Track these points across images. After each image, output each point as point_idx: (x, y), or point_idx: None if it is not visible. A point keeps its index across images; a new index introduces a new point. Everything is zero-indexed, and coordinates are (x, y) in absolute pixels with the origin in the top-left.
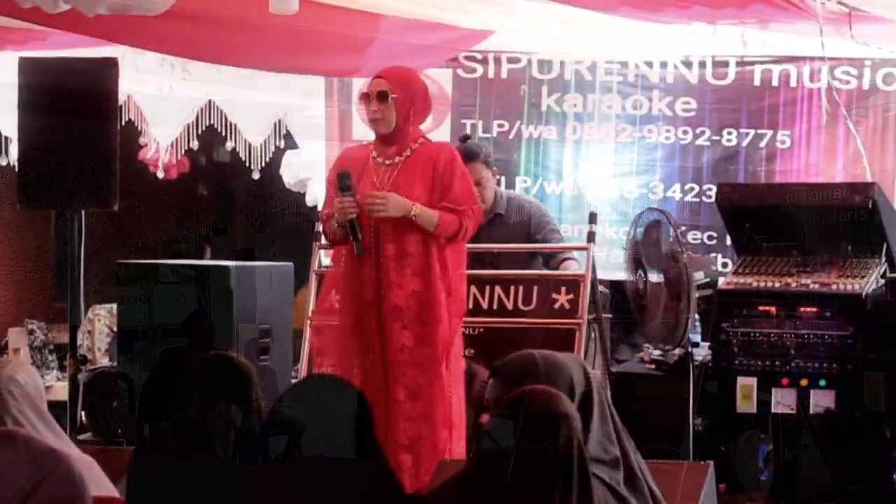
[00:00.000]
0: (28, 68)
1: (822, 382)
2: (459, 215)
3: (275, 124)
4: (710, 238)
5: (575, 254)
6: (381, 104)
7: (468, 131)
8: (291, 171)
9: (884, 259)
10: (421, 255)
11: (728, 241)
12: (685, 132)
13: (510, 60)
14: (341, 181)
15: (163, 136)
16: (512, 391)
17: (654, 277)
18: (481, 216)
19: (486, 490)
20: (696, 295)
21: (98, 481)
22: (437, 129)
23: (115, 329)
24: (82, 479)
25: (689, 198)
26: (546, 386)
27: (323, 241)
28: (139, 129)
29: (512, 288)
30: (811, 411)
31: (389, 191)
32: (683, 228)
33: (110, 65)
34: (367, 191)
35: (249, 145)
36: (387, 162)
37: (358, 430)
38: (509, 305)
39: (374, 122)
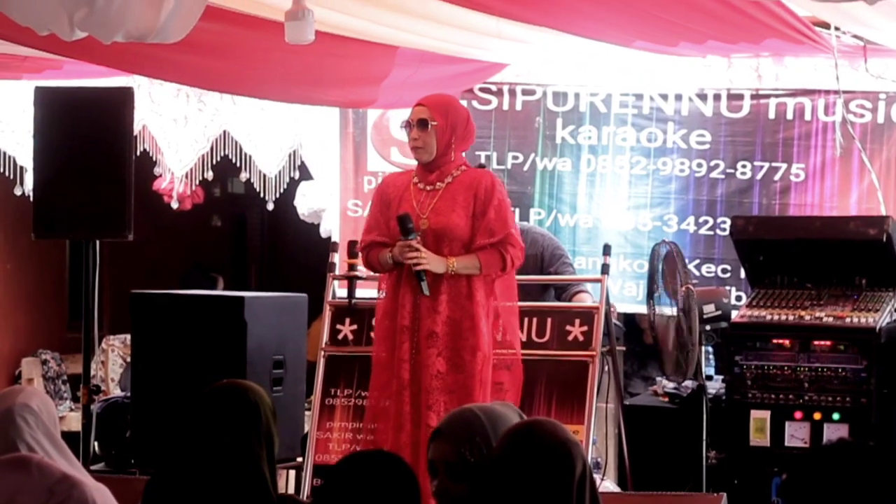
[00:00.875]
0: (44, 98)
1: (836, 416)
2: (498, 247)
3: (289, 155)
4: (724, 271)
5: (588, 286)
6: (422, 132)
7: (483, 161)
8: (306, 203)
9: None
10: (458, 282)
11: (742, 274)
12: (699, 165)
13: (525, 92)
14: (403, 224)
15: (177, 167)
16: (462, 450)
17: (668, 310)
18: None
19: None
20: (707, 328)
21: None
22: None
23: (128, 359)
24: None
25: (703, 230)
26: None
27: (337, 271)
28: (154, 159)
29: (526, 320)
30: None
31: (429, 216)
32: (697, 261)
33: (125, 95)
34: None
35: (264, 176)
36: (427, 188)
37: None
38: (523, 337)
39: (416, 150)
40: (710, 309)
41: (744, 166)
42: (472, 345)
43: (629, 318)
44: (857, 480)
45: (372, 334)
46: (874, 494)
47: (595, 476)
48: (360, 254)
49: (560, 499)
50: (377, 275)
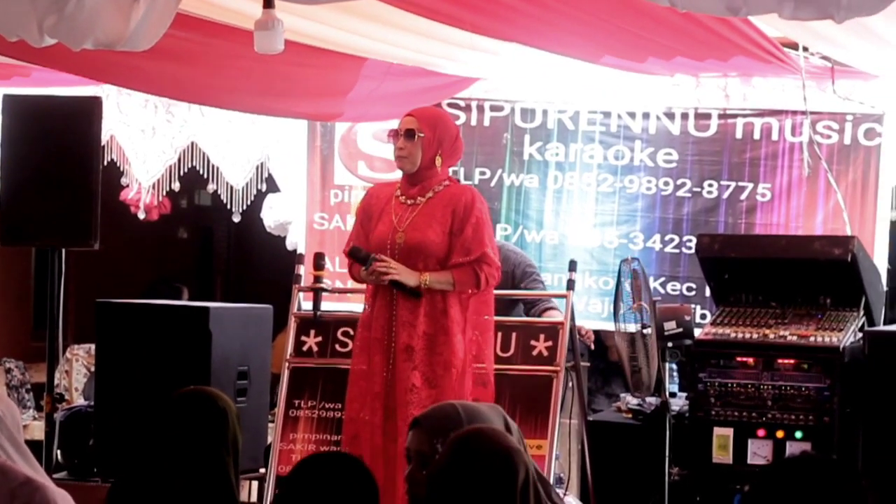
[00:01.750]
0: (11, 106)
1: (799, 434)
2: (473, 266)
3: (257, 168)
4: (689, 289)
5: (556, 302)
6: (408, 142)
7: (460, 176)
8: (272, 215)
9: (862, 312)
10: (433, 297)
11: (707, 292)
12: (666, 183)
13: (493, 108)
14: (355, 257)
15: (144, 177)
16: (435, 441)
17: (633, 327)
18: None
19: None
20: (669, 345)
21: None
22: None
23: (92, 369)
24: None
25: (668, 249)
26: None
27: (302, 283)
28: (121, 169)
29: None
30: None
31: (406, 230)
32: (663, 279)
33: (93, 104)
34: (385, 230)
35: (231, 188)
36: (408, 202)
37: None
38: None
39: (400, 160)
40: (671, 326)
41: (710, 185)
42: (445, 360)
43: (594, 335)
44: (819, 494)
45: (337, 346)
46: None
47: (559, 491)
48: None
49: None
50: (346, 287)
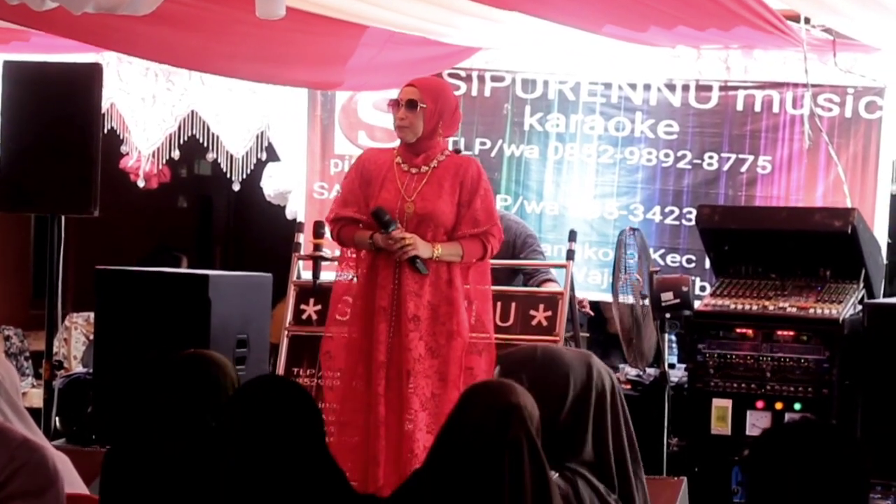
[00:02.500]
0: (12, 72)
1: (798, 406)
2: (481, 237)
3: (257, 136)
4: (688, 261)
5: (554, 274)
6: (410, 112)
7: (460, 147)
8: (272, 184)
9: (861, 285)
10: (439, 268)
11: (707, 264)
12: (667, 155)
13: (494, 79)
14: (380, 219)
15: (144, 145)
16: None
17: (629, 298)
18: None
19: (441, 489)
20: (666, 315)
21: (71, 479)
22: None
23: (90, 337)
24: (56, 469)
25: (668, 220)
26: (504, 378)
27: (302, 252)
28: (121, 137)
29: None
30: None
31: (416, 200)
32: (662, 251)
33: (94, 70)
34: (391, 198)
35: (231, 157)
36: (413, 170)
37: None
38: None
39: (401, 130)
40: (668, 297)
41: (711, 157)
42: (448, 329)
43: (594, 307)
44: (819, 458)
45: (337, 315)
46: (836, 472)
47: None
48: (327, 225)
49: (491, 460)
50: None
